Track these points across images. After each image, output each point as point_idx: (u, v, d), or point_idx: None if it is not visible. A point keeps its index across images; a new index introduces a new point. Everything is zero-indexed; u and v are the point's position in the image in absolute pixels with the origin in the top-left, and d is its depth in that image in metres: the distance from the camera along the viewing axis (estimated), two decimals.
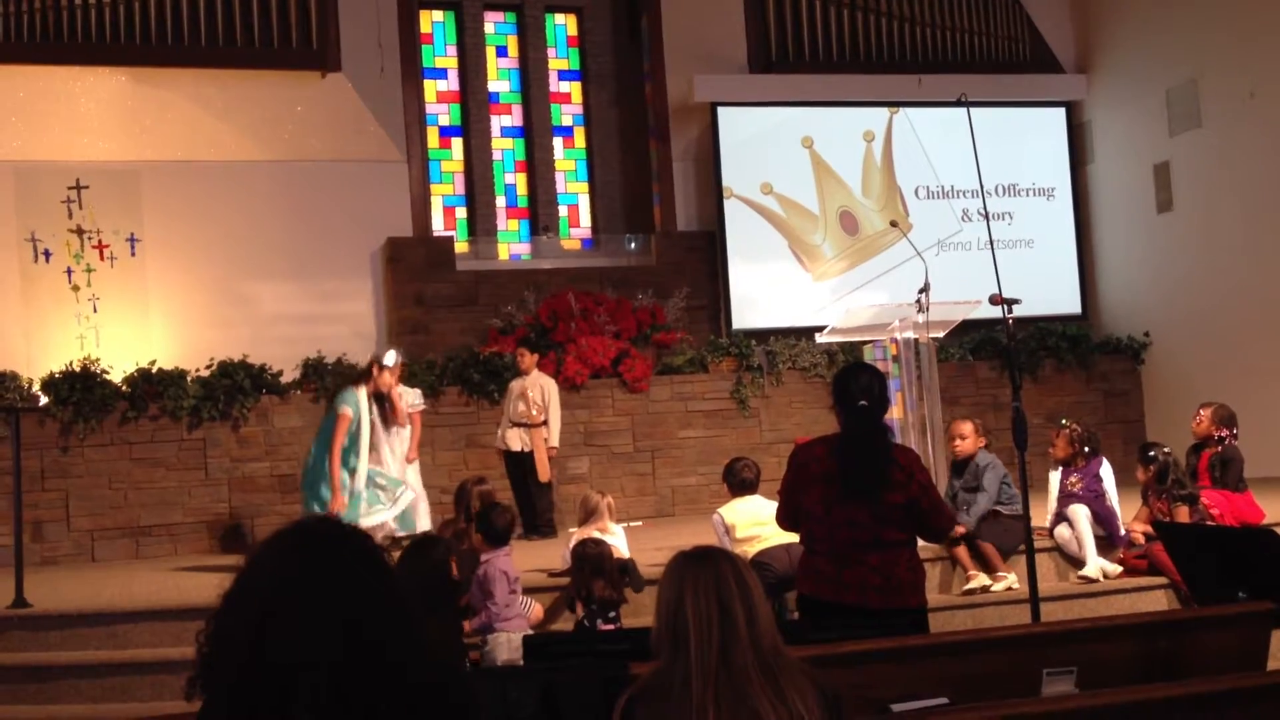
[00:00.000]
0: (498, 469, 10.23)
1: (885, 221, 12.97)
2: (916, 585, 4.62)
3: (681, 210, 13.62)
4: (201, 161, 12.22)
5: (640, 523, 10.61)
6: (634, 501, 11.34)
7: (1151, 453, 7.86)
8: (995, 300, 6.44)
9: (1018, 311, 6.51)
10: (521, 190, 13.94)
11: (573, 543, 7.10)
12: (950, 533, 6.93)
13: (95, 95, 11.84)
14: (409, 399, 9.77)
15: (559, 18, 14.25)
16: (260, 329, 11.90)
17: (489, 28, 13.96)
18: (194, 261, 12.17)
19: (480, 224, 13.54)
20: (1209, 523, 7.53)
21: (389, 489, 8.73)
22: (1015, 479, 7.25)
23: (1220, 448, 8.08)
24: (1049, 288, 13.58)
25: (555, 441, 10.20)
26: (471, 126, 13.68)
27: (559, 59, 14.23)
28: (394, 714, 1.82)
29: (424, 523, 8.98)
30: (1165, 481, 7.71)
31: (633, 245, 13.75)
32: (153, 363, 10.77)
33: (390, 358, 9.02)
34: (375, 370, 8.71)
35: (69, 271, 11.86)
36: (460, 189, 13.71)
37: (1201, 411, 8.27)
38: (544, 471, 10.04)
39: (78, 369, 10.54)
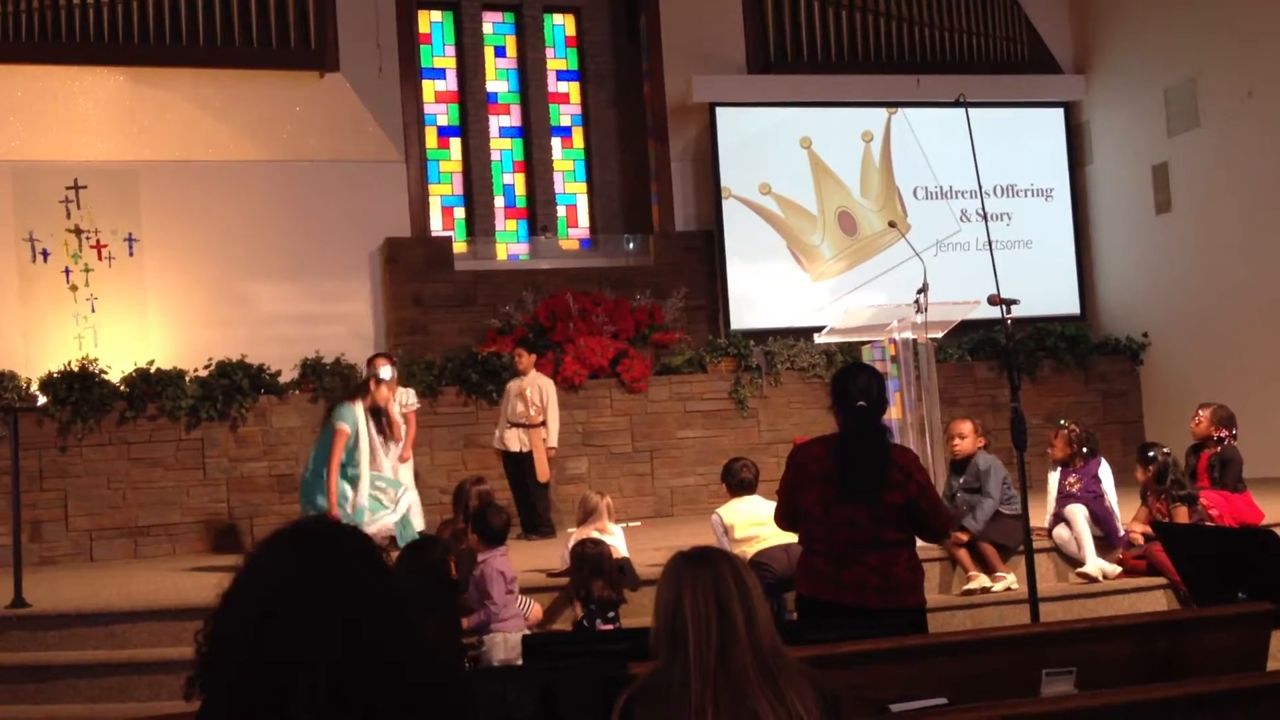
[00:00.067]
0: (496, 469, 10.23)
1: (884, 222, 12.97)
2: (915, 585, 4.62)
3: (680, 210, 13.62)
4: (200, 161, 12.22)
5: (639, 523, 10.61)
6: (632, 502, 11.34)
7: (1150, 453, 7.86)
8: (994, 301, 6.43)
9: (1016, 312, 6.51)
10: (520, 190, 13.94)
11: (572, 543, 7.11)
12: (949, 533, 6.95)
13: (93, 95, 11.83)
14: (404, 399, 9.78)
15: (557, 18, 14.25)
16: (258, 329, 11.90)
17: (487, 28, 13.96)
18: (192, 261, 12.16)
19: (478, 224, 13.54)
20: (1208, 523, 7.53)
21: (388, 490, 8.73)
22: (1014, 479, 7.25)
23: (1219, 448, 8.08)
24: (1047, 288, 13.59)
25: (554, 442, 10.20)
26: (470, 127, 13.68)
27: (557, 59, 14.23)
28: (393, 714, 1.82)
29: (418, 522, 8.97)
30: (1164, 482, 7.70)
31: (631, 245, 13.75)
32: (151, 363, 10.77)
33: (386, 372, 9.02)
34: (373, 385, 8.72)
35: (67, 271, 11.85)
36: (458, 189, 13.71)
37: (1201, 412, 8.27)
38: (543, 472, 10.04)
39: (76, 369, 10.54)
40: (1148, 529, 7.60)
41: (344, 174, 12.56)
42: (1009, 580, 7.43)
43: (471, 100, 13.70)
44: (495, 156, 13.85)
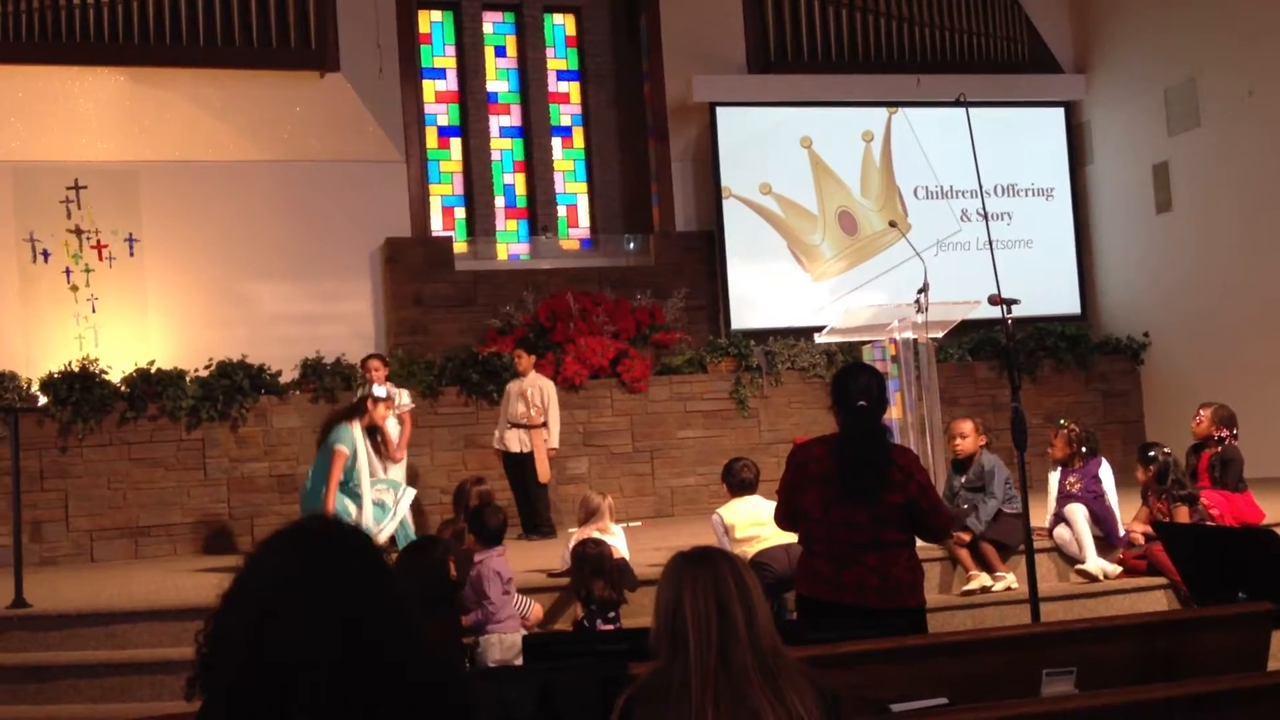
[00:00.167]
0: (496, 469, 10.24)
1: (884, 221, 12.97)
2: (915, 585, 4.62)
3: (680, 210, 13.62)
4: (200, 161, 12.22)
5: (639, 523, 10.60)
6: (633, 502, 11.34)
7: (1151, 453, 7.86)
8: (994, 300, 6.43)
9: (1017, 312, 6.51)
10: (520, 190, 13.94)
11: (572, 543, 7.11)
12: (950, 533, 6.95)
13: (94, 95, 11.83)
14: (399, 399, 9.80)
15: (557, 18, 14.25)
16: (259, 329, 11.90)
17: (487, 28, 13.96)
18: (193, 261, 12.16)
19: (479, 224, 13.54)
20: (1209, 523, 7.52)
21: (389, 491, 8.74)
22: (1015, 479, 7.25)
23: (1220, 448, 8.08)
24: (1048, 288, 13.59)
25: (555, 442, 10.21)
26: (470, 126, 13.68)
27: (558, 59, 14.23)
28: (393, 714, 1.82)
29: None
30: (1165, 482, 7.70)
31: (631, 245, 13.75)
32: (151, 363, 10.77)
33: (381, 390, 9.05)
34: (370, 404, 8.74)
35: (68, 272, 11.85)
36: (459, 189, 13.71)
37: (1201, 412, 8.27)
38: (544, 472, 10.04)
39: (76, 369, 10.54)
40: (1148, 529, 7.60)
41: (344, 174, 12.56)
42: (1009, 580, 7.43)
43: (472, 100, 13.70)
44: (496, 156, 13.85)
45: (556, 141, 14.05)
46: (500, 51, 14.07)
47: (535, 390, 10.12)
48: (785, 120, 13.58)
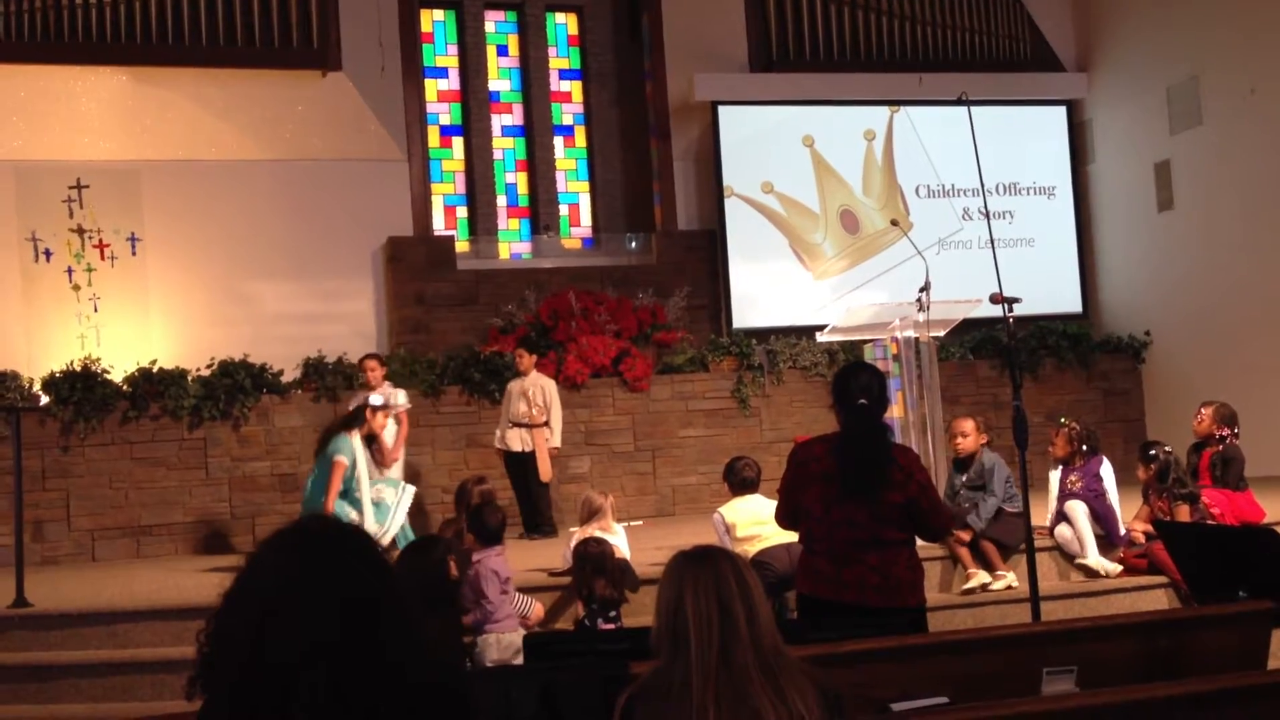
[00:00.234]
0: (498, 468, 10.24)
1: (886, 220, 12.96)
2: (915, 584, 4.62)
3: (682, 209, 13.62)
4: (202, 161, 12.22)
5: (641, 522, 10.61)
6: (634, 501, 11.34)
7: (1152, 451, 7.86)
8: (996, 299, 6.43)
9: (1018, 310, 6.51)
10: (522, 189, 13.95)
11: (574, 542, 7.11)
12: (950, 532, 6.95)
13: (96, 95, 11.84)
14: (396, 399, 9.80)
15: (560, 17, 14.25)
16: (261, 328, 11.91)
17: (490, 27, 13.96)
18: (195, 261, 12.17)
19: (481, 223, 13.54)
20: (1210, 522, 7.52)
21: (390, 489, 8.75)
22: (1016, 478, 7.25)
23: (1221, 446, 8.08)
24: (1049, 286, 13.58)
25: (558, 441, 10.21)
26: (472, 125, 13.68)
27: (560, 58, 14.23)
28: (394, 714, 1.82)
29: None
30: (1166, 480, 7.70)
31: (633, 244, 13.75)
32: (153, 362, 10.78)
33: (377, 399, 9.07)
34: (368, 414, 8.75)
35: (70, 271, 11.86)
36: (461, 188, 13.71)
37: (1203, 410, 8.27)
38: (545, 471, 10.04)
39: (78, 368, 10.55)
40: (1149, 527, 7.60)
41: (346, 173, 12.56)
42: (1009, 579, 7.43)
43: (474, 99, 13.71)
44: (497, 155, 13.85)
45: (558, 140, 14.06)
46: (502, 50, 14.08)
47: (537, 390, 10.12)
48: (787, 119, 13.58)
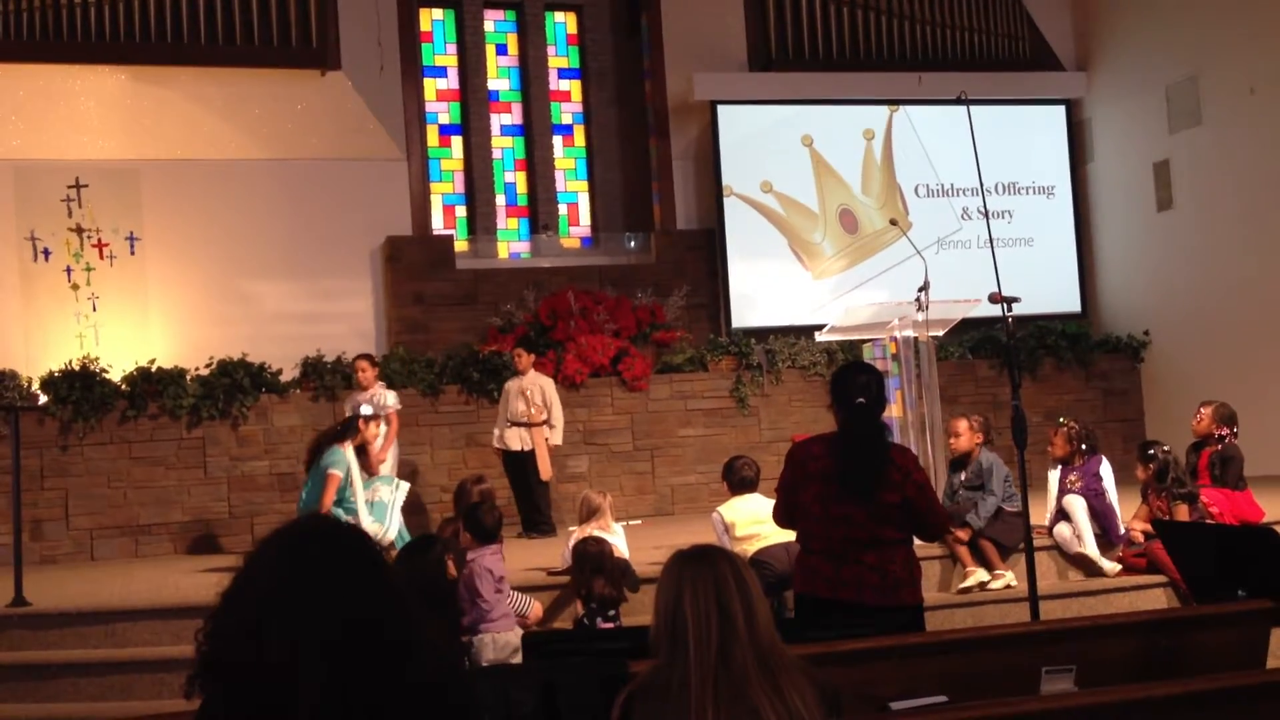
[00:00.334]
0: (497, 467, 10.23)
1: (885, 220, 12.96)
2: (913, 583, 4.62)
3: (681, 208, 13.62)
4: (201, 160, 12.22)
5: (639, 521, 10.61)
6: (633, 500, 11.34)
7: (1151, 451, 7.86)
8: (995, 298, 6.43)
9: (1017, 310, 6.51)
10: (521, 189, 13.94)
11: (573, 541, 7.11)
12: (947, 532, 6.95)
13: (95, 94, 11.83)
14: (386, 401, 9.79)
15: (559, 16, 14.25)
16: (260, 327, 11.90)
17: (489, 26, 13.95)
18: (193, 260, 12.17)
19: (480, 222, 13.54)
20: (1209, 521, 7.52)
21: (385, 487, 8.76)
22: (1015, 477, 7.25)
23: (1220, 446, 8.08)
24: (1048, 286, 13.59)
25: (559, 439, 10.22)
26: (471, 125, 13.68)
27: (559, 57, 14.23)
28: (394, 713, 1.82)
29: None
30: (1165, 480, 7.70)
31: (632, 244, 13.75)
32: (152, 361, 10.77)
33: (368, 410, 9.09)
34: (361, 424, 8.76)
35: (68, 270, 11.86)
36: (460, 187, 13.71)
37: (1202, 410, 8.27)
38: (545, 470, 10.04)
39: (77, 368, 10.54)
40: (1148, 527, 7.60)
41: (345, 172, 12.56)
42: (1008, 578, 7.43)
43: (473, 98, 13.70)
44: (496, 155, 13.85)
45: (557, 140, 14.05)
46: (501, 49, 14.07)
47: (535, 389, 10.12)
48: (786, 118, 13.58)
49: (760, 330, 12.68)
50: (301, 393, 10.99)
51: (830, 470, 4.55)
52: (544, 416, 10.09)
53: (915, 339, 8.30)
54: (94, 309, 11.84)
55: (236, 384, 10.70)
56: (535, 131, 13.86)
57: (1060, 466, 8.03)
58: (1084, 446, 7.95)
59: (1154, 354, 13.29)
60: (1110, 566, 7.70)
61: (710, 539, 6.22)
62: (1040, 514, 7.86)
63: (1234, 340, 12.21)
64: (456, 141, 13.75)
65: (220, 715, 1.83)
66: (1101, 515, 7.81)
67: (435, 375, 11.23)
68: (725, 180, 13.33)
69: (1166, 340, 13.14)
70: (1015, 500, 7.48)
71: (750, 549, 6.88)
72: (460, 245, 13.17)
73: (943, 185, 13.86)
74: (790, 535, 5.52)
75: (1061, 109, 14.48)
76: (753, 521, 7.03)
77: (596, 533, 7.10)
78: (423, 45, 13.48)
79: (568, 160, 14.15)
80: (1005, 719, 3.21)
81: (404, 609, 1.90)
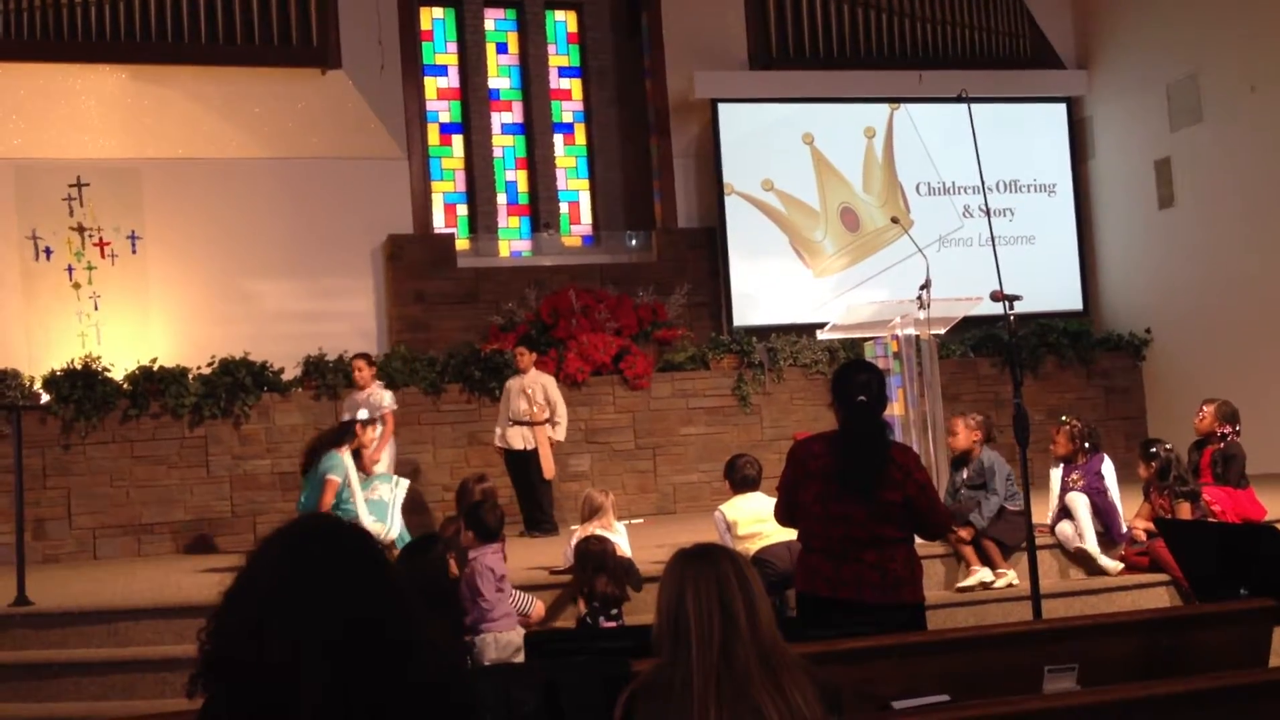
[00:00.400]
0: (499, 466, 10.23)
1: (886, 218, 12.96)
2: (913, 581, 4.62)
3: (682, 207, 13.62)
4: (202, 159, 12.22)
5: (641, 520, 10.61)
6: (635, 499, 11.34)
7: (1153, 449, 7.86)
8: (996, 296, 6.43)
9: (1019, 308, 6.50)
10: (522, 187, 13.94)
11: (575, 540, 7.11)
12: (948, 531, 6.95)
13: (96, 93, 11.83)
14: (382, 402, 9.79)
15: (559, 14, 14.24)
16: (261, 326, 11.90)
17: (489, 24, 13.95)
18: (195, 259, 12.17)
19: (481, 221, 13.53)
20: (1211, 519, 7.52)
21: (385, 484, 8.76)
22: (1017, 476, 7.25)
23: (1222, 444, 8.07)
24: (1050, 284, 13.57)
25: (562, 435, 10.22)
26: (472, 123, 13.67)
27: (559, 56, 14.22)
28: (395, 712, 1.82)
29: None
30: (1167, 478, 7.70)
31: (633, 242, 13.75)
32: (154, 360, 10.78)
33: (364, 414, 9.12)
34: (358, 429, 8.78)
35: (70, 269, 11.86)
36: (461, 186, 13.70)
37: (1204, 408, 8.27)
38: (549, 468, 10.05)
39: (79, 367, 10.54)
40: (1150, 525, 7.61)
41: (346, 171, 12.56)
42: (1010, 576, 7.43)
43: (473, 97, 13.70)
44: (497, 153, 13.84)
45: (558, 138, 14.05)
46: (502, 48, 14.07)
47: (536, 387, 10.12)
48: (787, 116, 13.57)
49: (762, 328, 12.68)
50: (303, 391, 10.99)
51: (830, 469, 4.55)
52: (546, 415, 10.09)
53: (917, 337, 8.30)
54: (95, 308, 11.84)
55: (238, 383, 10.71)
56: (536, 130, 13.86)
57: (1062, 465, 8.03)
58: (1086, 445, 7.95)
59: (1156, 352, 13.29)
60: (1112, 565, 7.70)
61: (712, 537, 6.22)
62: (1042, 512, 7.86)
63: (1236, 338, 12.20)
64: (457, 140, 13.75)
65: (223, 714, 1.83)
66: (1104, 514, 7.81)
67: (437, 374, 11.23)
68: (726, 178, 13.32)
69: (1168, 338, 13.13)
70: (1017, 499, 7.47)
71: (752, 547, 6.88)
72: (461, 244, 13.17)
73: (944, 183, 13.86)
74: (792, 534, 5.52)
75: (1062, 107, 14.47)
76: (755, 520, 7.03)
77: (599, 531, 7.10)
78: (423, 44, 13.48)
79: (569, 159, 14.15)
80: (1007, 718, 3.20)
81: (406, 608, 1.91)
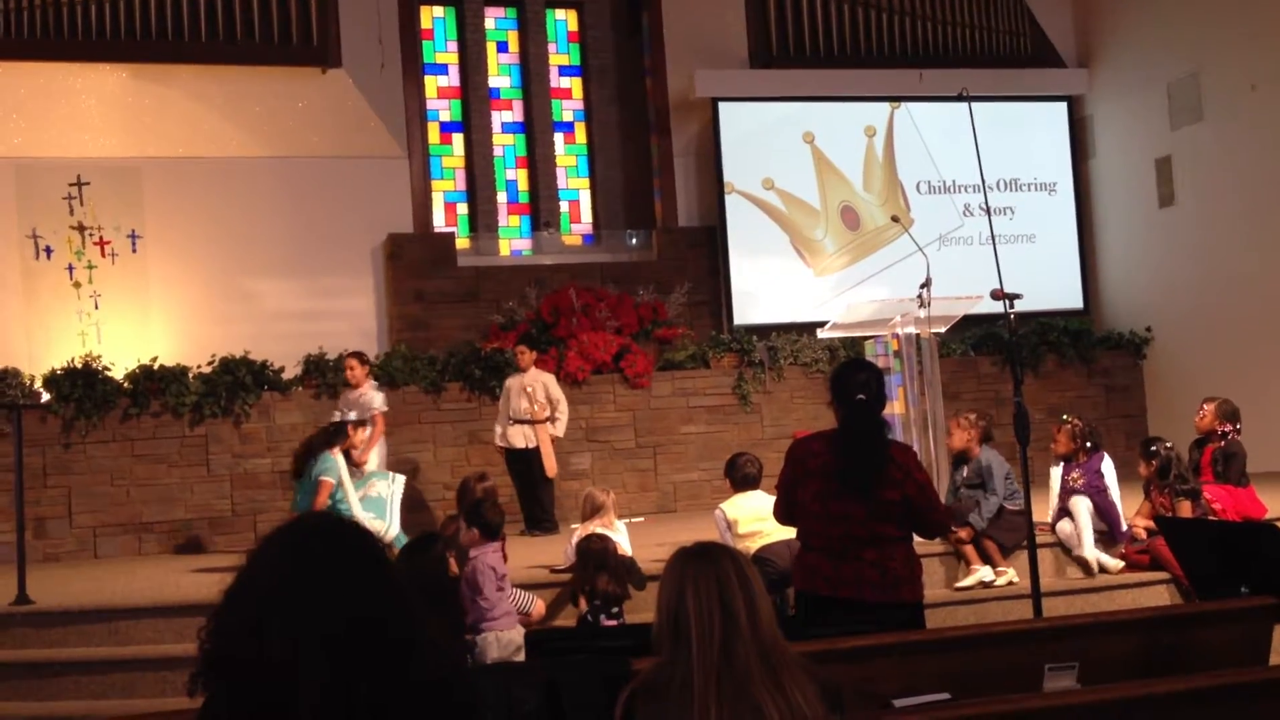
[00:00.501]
0: (499, 464, 10.23)
1: (887, 216, 12.96)
2: (913, 580, 4.62)
3: (682, 206, 13.61)
4: (202, 158, 12.22)
5: (642, 519, 10.61)
6: (635, 497, 11.34)
7: (1154, 448, 7.86)
8: (997, 295, 6.44)
9: (1019, 306, 6.51)
10: (522, 186, 13.94)
11: (576, 538, 7.11)
12: (948, 530, 6.96)
13: (96, 92, 11.83)
14: (374, 403, 9.78)
15: (560, 13, 14.24)
16: (262, 325, 11.90)
17: (489, 23, 13.94)
18: (195, 258, 12.17)
19: (481, 220, 13.53)
20: (1211, 518, 7.52)
21: (382, 481, 8.77)
22: (1017, 474, 7.24)
23: (1223, 442, 8.08)
24: (1050, 282, 13.56)
25: (561, 431, 10.23)
26: (472, 122, 13.67)
27: (560, 54, 14.22)
28: (396, 711, 1.82)
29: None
30: (1168, 476, 7.70)
31: (634, 241, 13.74)
32: (154, 359, 10.78)
33: (354, 415, 9.14)
34: (351, 430, 8.78)
35: (70, 268, 11.86)
36: (461, 185, 13.70)
37: (1205, 406, 8.27)
38: (551, 467, 10.04)
39: (79, 366, 10.54)
40: (1151, 523, 7.60)
41: (346, 170, 12.56)
42: (1010, 574, 7.43)
43: (474, 95, 13.69)
44: (498, 152, 13.84)
45: (559, 137, 14.05)
46: (502, 47, 14.06)
47: (537, 386, 10.12)
48: (787, 115, 13.57)
49: (762, 327, 12.68)
50: (304, 390, 10.99)
51: (830, 467, 4.55)
52: (547, 413, 10.09)
53: (917, 335, 8.30)
54: (96, 307, 11.84)
55: (239, 381, 10.71)
56: (536, 129, 13.85)
57: (1063, 463, 8.02)
58: (1087, 443, 7.94)
59: (1156, 350, 13.28)
60: (1113, 563, 7.69)
61: (713, 536, 6.22)
62: (1042, 511, 7.86)
63: (1236, 336, 12.20)
64: (457, 139, 13.75)
65: (223, 713, 1.83)
66: (1104, 512, 7.81)
67: (437, 373, 11.23)
68: (727, 177, 13.32)
69: (1169, 336, 13.13)
70: (1017, 498, 7.47)
71: (753, 546, 6.88)
72: (461, 243, 13.17)
73: (944, 182, 13.85)
74: (793, 532, 5.52)
75: (1063, 105, 14.46)
76: (755, 518, 7.04)
77: (600, 530, 7.10)
78: (424, 43, 13.48)
79: (569, 157, 14.15)
80: (1008, 716, 3.21)
81: (406, 607, 1.90)
